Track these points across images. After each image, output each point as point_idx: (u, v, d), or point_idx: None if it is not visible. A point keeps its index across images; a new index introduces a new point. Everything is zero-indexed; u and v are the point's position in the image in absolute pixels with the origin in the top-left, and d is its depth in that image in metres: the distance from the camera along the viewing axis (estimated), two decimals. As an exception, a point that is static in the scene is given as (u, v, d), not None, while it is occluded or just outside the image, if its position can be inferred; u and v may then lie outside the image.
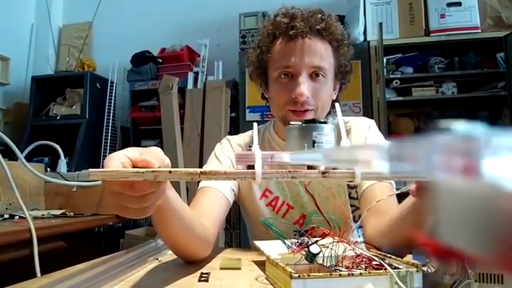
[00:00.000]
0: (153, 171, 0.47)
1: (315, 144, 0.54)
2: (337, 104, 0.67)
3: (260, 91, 1.10)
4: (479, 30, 2.61)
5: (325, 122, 0.56)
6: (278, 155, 0.50)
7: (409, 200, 0.72)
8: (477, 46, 2.66)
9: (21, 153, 1.29)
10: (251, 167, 0.50)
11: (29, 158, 1.51)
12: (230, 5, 3.33)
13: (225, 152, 1.09)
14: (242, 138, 1.13)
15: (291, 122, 0.58)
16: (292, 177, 0.47)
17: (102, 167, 0.53)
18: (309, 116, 0.96)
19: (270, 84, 1.02)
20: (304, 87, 0.92)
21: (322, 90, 0.96)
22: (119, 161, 0.52)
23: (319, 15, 0.96)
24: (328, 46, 0.97)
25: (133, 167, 0.53)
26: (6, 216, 1.37)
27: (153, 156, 0.52)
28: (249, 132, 1.15)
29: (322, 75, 0.95)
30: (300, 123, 0.57)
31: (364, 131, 1.05)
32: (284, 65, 0.96)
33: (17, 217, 1.35)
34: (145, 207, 0.54)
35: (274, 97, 1.00)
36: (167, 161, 0.57)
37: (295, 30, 0.93)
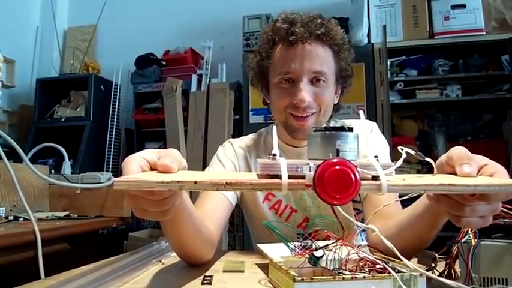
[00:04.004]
0: (179, 181, 0.46)
1: (339, 153, 0.53)
2: (361, 112, 0.66)
3: (261, 96, 1.10)
4: (484, 33, 2.60)
5: (350, 130, 0.56)
6: (305, 167, 0.50)
7: (422, 203, 0.72)
8: (482, 48, 2.65)
9: (26, 155, 1.29)
10: (275, 176, 0.49)
11: (33, 160, 1.52)
12: (234, 7, 3.33)
13: (228, 154, 1.09)
14: (245, 141, 1.13)
15: (314, 129, 0.57)
16: None
17: (120, 170, 0.53)
18: (311, 120, 0.96)
19: (271, 89, 1.02)
20: (305, 93, 0.92)
21: (324, 94, 0.96)
22: (137, 164, 0.52)
23: (319, 20, 0.96)
24: (328, 51, 0.96)
25: (152, 169, 0.53)
26: (10, 218, 1.38)
27: (172, 159, 0.52)
28: (251, 135, 1.16)
29: (323, 80, 0.95)
30: (323, 130, 0.56)
31: (366, 134, 1.05)
32: (284, 71, 0.96)
33: (22, 219, 1.36)
34: (165, 210, 0.54)
35: (275, 102, 1.01)
36: (184, 162, 0.57)
37: (295, 35, 0.93)
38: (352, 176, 0.45)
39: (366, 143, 1.03)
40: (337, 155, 0.54)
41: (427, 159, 0.59)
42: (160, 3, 3.66)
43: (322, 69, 0.94)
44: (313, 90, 0.95)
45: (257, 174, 0.53)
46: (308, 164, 0.50)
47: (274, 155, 0.53)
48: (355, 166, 0.46)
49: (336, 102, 1.04)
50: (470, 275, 0.55)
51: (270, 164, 0.51)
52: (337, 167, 0.45)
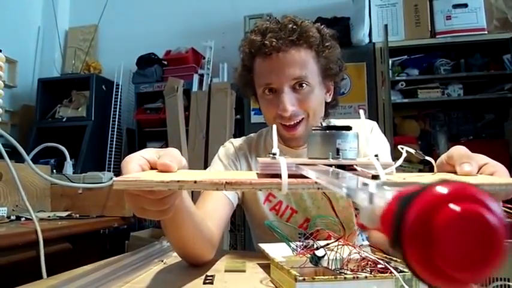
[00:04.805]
0: (178, 181, 0.45)
1: (339, 152, 0.53)
2: (361, 111, 0.66)
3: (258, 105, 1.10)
4: (486, 32, 2.59)
5: (349, 128, 0.55)
6: (304, 168, 0.48)
7: None
8: (483, 48, 2.65)
9: (28, 155, 1.29)
10: (275, 175, 0.49)
11: (35, 160, 1.52)
12: (235, 7, 3.34)
13: (229, 155, 1.09)
14: (245, 141, 1.13)
15: (313, 128, 0.57)
16: (318, 189, 0.46)
17: (120, 170, 0.53)
18: (300, 128, 0.96)
19: (259, 100, 1.03)
20: (287, 103, 0.92)
21: (309, 98, 0.95)
22: (137, 163, 0.52)
23: (290, 26, 0.94)
24: (306, 53, 0.95)
25: (151, 168, 0.54)
26: (12, 217, 1.39)
27: (172, 159, 0.52)
28: (252, 135, 1.16)
29: (306, 84, 0.94)
30: (322, 129, 0.56)
31: (366, 133, 1.04)
32: (265, 83, 0.96)
33: (24, 219, 1.36)
34: (164, 209, 0.54)
35: (263, 112, 1.01)
36: (184, 162, 0.57)
37: (268, 47, 0.92)
38: (493, 221, 0.19)
39: (366, 142, 1.03)
40: (337, 154, 0.53)
41: (427, 158, 0.59)
42: (161, 3, 3.66)
43: (302, 73, 0.93)
44: (297, 97, 0.94)
45: (257, 174, 0.53)
46: (366, 184, 0.26)
47: (274, 154, 0.53)
48: (490, 199, 0.20)
49: (329, 100, 1.04)
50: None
51: (270, 163, 0.51)
52: (456, 208, 0.19)
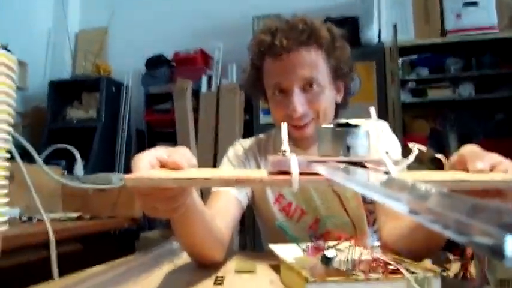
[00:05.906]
0: (189, 178, 0.46)
1: (349, 150, 0.53)
2: (372, 108, 0.64)
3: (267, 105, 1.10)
4: (497, 30, 2.56)
5: (358, 126, 0.55)
6: (315, 164, 0.47)
7: None
8: (494, 46, 2.61)
9: (39, 156, 1.31)
10: (285, 173, 0.48)
11: (46, 161, 1.53)
12: (243, 7, 3.33)
13: (238, 155, 1.09)
14: (254, 141, 1.13)
15: (323, 125, 0.57)
16: (329, 186, 0.45)
17: (130, 171, 0.53)
18: (310, 129, 0.95)
19: (268, 100, 1.02)
20: (297, 104, 0.91)
21: (319, 99, 0.94)
22: (147, 161, 0.52)
23: (301, 26, 0.93)
24: (317, 53, 0.93)
25: (161, 166, 0.54)
26: (24, 218, 1.40)
27: (182, 157, 0.53)
28: (261, 136, 1.15)
29: (316, 85, 0.93)
30: (332, 126, 0.55)
31: (377, 132, 1.03)
32: (275, 83, 0.95)
33: (35, 220, 1.38)
34: (175, 207, 0.54)
35: (272, 113, 1.00)
36: (194, 160, 0.57)
37: (278, 48, 0.92)
38: None
39: (377, 140, 1.02)
40: (348, 151, 0.53)
41: (438, 155, 0.58)
42: (169, 5, 3.67)
43: (312, 74, 0.92)
44: (307, 97, 0.93)
45: (268, 172, 0.53)
46: (317, 159, 0.45)
47: (284, 151, 0.52)
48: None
49: (339, 101, 1.03)
50: (486, 276, 0.54)
51: (280, 160, 0.50)
52: None
